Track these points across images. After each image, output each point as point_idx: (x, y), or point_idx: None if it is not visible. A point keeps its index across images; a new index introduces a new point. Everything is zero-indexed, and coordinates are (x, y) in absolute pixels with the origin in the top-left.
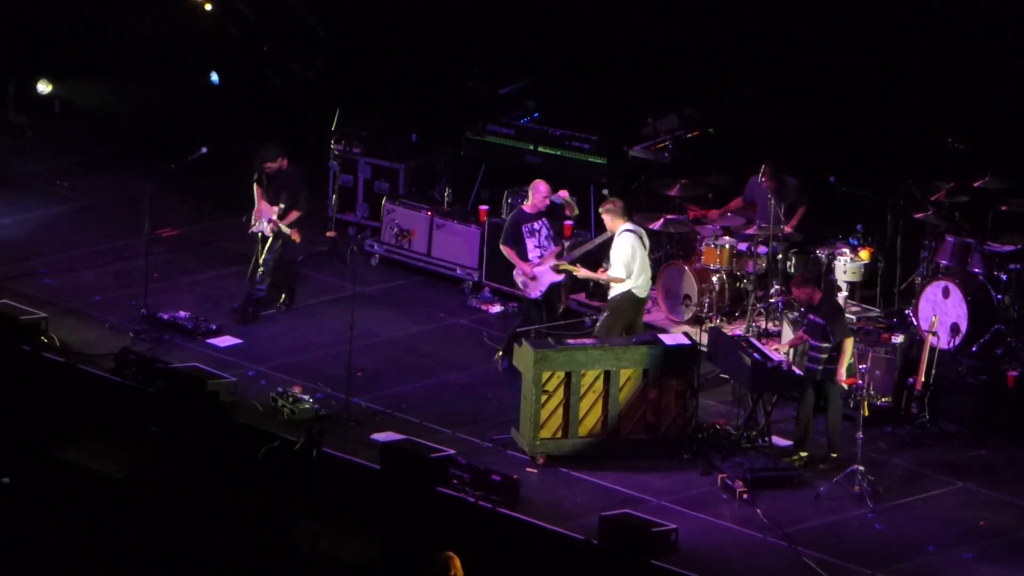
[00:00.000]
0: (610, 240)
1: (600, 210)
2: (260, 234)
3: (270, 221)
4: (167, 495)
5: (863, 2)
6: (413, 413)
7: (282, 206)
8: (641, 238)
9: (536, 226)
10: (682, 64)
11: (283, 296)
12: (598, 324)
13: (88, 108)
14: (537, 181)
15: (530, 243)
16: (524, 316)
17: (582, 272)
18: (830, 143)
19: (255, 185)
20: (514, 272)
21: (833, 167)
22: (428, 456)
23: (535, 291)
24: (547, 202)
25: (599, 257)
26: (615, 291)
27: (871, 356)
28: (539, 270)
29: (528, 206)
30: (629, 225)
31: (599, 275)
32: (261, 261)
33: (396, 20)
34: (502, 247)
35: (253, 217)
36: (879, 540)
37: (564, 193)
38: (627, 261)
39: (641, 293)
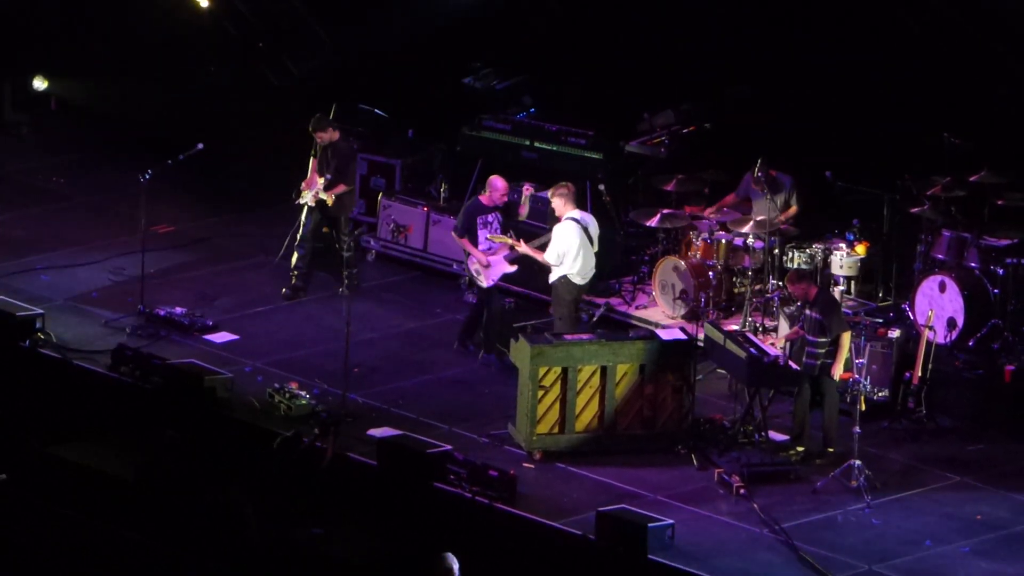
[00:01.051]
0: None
1: (551, 193)
2: (306, 206)
3: (315, 191)
4: (172, 495)
5: (862, 1)
6: (410, 409)
7: (328, 176)
8: (587, 229)
9: (489, 218)
10: (680, 61)
11: (293, 279)
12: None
13: (84, 105)
14: (494, 177)
15: (482, 234)
16: (478, 306)
17: (521, 247)
18: (826, 138)
19: (311, 158)
20: (468, 260)
21: (829, 162)
22: (425, 452)
23: (488, 280)
24: (504, 199)
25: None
26: (553, 276)
27: (867, 350)
28: (493, 259)
29: (485, 198)
30: (576, 213)
31: (533, 252)
32: (341, 248)
33: (393, 16)
34: (455, 235)
35: (303, 187)
36: (876, 534)
37: (528, 190)
38: (564, 247)
39: (578, 280)
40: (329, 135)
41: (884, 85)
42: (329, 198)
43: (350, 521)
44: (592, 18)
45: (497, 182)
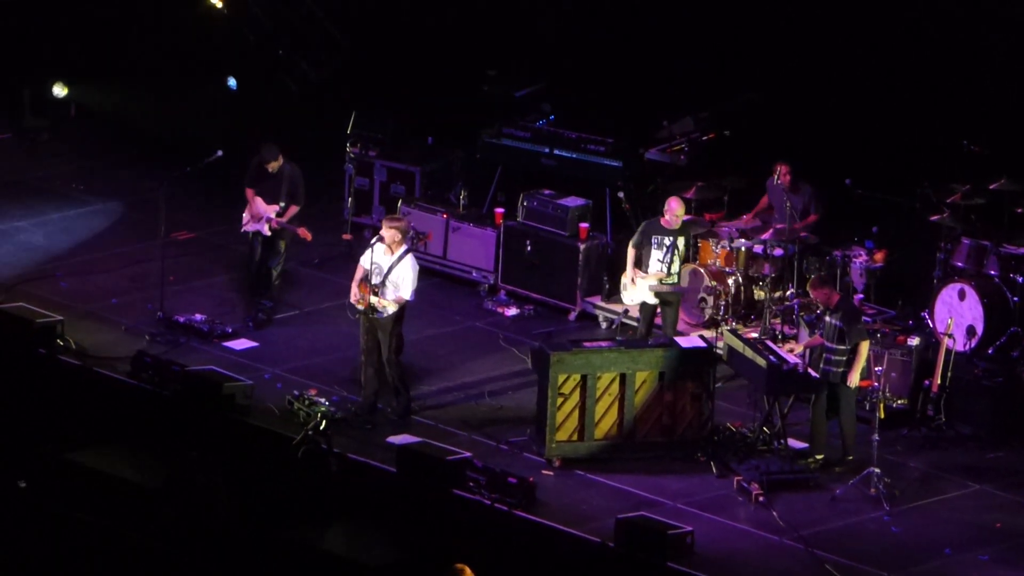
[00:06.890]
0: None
1: (389, 226)
2: (257, 234)
3: (269, 220)
4: (195, 505)
5: (880, 6)
6: (429, 416)
7: (282, 204)
8: None
9: (667, 241)
10: (697, 66)
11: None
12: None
13: (104, 112)
14: (671, 198)
15: (655, 255)
16: None
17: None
18: (846, 145)
19: (247, 188)
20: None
21: (849, 169)
22: (444, 459)
23: (628, 299)
24: (678, 220)
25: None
26: (391, 310)
27: (887, 358)
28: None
29: (664, 220)
30: (408, 245)
31: (387, 302)
32: (273, 268)
33: (412, 23)
34: (630, 245)
35: (246, 217)
36: (895, 542)
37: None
38: (415, 282)
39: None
40: (279, 162)
41: (900, 87)
42: (304, 232)
43: (370, 527)
44: (607, 21)
45: (673, 203)
